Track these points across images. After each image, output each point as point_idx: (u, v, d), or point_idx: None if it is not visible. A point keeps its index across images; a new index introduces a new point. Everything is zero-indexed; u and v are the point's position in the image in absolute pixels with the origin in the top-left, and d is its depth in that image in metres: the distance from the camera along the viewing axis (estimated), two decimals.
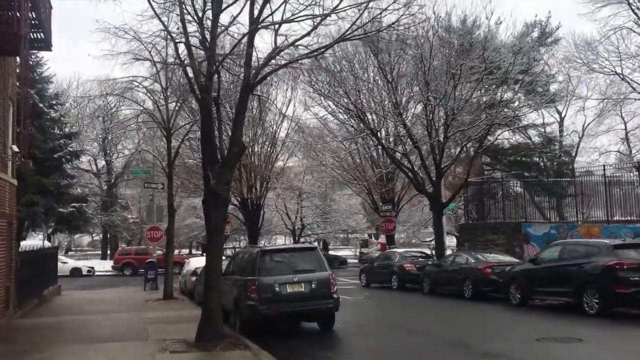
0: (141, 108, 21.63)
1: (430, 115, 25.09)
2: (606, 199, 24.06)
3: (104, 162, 53.65)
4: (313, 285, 12.87)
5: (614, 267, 13.98)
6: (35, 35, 13.83)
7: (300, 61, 12.84)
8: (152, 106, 22.79)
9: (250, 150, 33.09)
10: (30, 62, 26.70)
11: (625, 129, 38.50)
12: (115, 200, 52.61)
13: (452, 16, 27.56)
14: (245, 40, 11.80)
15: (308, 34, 12.16)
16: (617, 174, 25.81)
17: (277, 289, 12.62)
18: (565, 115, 40.77)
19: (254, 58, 11.86)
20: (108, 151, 51.37)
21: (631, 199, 25.61)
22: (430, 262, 23.90)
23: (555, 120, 41.11)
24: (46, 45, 14.39)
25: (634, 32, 34.79)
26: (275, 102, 28.13)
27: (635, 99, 36.02)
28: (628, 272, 13.90)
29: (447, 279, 20.74)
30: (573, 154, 40.76)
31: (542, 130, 40.37)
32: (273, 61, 12.44)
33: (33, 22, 12.93)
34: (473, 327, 14.11)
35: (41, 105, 26.71)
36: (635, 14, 34.29)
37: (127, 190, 56.34)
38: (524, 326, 13.53)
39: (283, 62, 12.38)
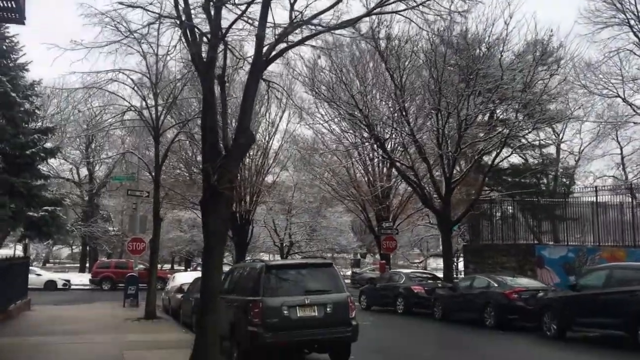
0: (128, 104, 19.37)
1: (442, 124, 23.11)
2: (633, 220, 22.15)
3: (86, 172, 51.08)
4: (328, 309, 10.62)
5: None
6: (3, 3, 11.62)
7: (319, 36, 10.82)
8: (139, 105, 20.67)
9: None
10: (4, 47, 24.11)
11: (621, 153, 37.31)
12: (97, 211, 49.91)
13: (468, 19, 25.83)
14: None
15: (331, 7, 10.23)
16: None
17: (285, 312, 10.35)
18: (562, 138, 39.32)
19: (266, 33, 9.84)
20: (91, 159, 48.69)
21: None
22: (439, 285, 21.85)
23: (552, 143, 39.64)
24: (18, 16, 12.18)
25: (634, 54, 33.58)
26: (276, 100, 25.74)
27: (635, 123, 34.71)
28: None
29: (464, 304, 18.60)
30: (572, 176, 39.28)
31: (540, 151, 38.78)
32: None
33: None
34: None
35: (13, 94, 23.50)
36: (637, 35, 33.00)
37: (110, 202, 53.78)
38: None
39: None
